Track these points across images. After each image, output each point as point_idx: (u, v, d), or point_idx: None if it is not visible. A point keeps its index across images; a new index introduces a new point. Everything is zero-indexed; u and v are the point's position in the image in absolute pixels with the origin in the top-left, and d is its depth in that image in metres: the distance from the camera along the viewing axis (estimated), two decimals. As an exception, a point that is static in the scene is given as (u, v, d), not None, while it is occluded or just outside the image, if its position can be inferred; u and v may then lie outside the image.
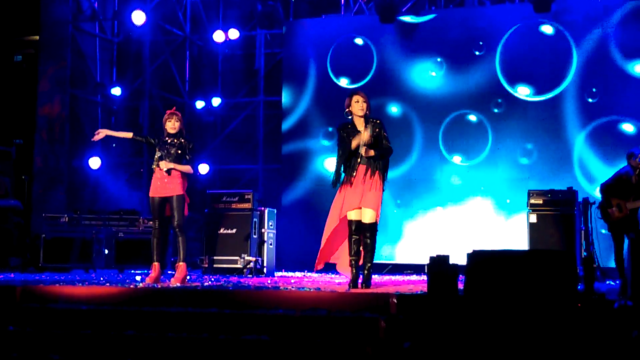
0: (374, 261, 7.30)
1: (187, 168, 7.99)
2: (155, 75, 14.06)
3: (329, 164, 12.47)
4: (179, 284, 7.61)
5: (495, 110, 11.96)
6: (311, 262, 7.67)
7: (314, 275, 10.26)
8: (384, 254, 11.94)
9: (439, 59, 12.30)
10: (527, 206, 10.16)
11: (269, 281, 8.63)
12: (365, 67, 12.62)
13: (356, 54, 12.71)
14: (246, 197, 10.34)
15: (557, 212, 9.96)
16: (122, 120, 13.51)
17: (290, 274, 10.80)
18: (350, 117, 7.27)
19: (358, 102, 7.21)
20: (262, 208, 10.43)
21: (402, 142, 11.97)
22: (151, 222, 8.34)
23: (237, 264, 10.06)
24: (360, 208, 7.13)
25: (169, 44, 14.31)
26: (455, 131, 12.12)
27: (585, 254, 9.53)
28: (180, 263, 7.89)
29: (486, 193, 11.89)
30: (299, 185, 12.89)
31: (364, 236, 7.13)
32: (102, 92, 13.43)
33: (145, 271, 9.97)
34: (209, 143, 14.42)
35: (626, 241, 8.49)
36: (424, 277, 9.12)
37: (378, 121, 7.28)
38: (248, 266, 9.96)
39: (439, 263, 5.69)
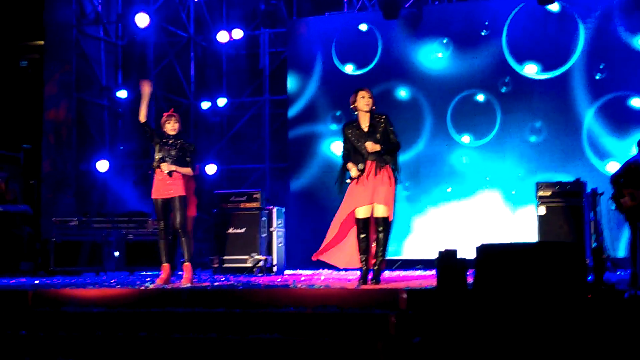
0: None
1: (187, 170, 7.98)
2: (161, 77, 14.09)
3: (335, 147, 12.52)
4: (189, 284, 7.63)
5: (503, 90, 11.97)
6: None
7: (324, 272, 10.27)
8: (392, 249, 11.94)
9: (444, 40, 12.31)
10: (536, 198, 10.13)
11: (279, 280, 8.64)
12: (371, 52, 12.64)
13: (361, 40, 12.74)
14: (254, 196, 10.35)
15: (566, 203, 9.94)
16: (128, 123, 13.53)
17: (300, 271, 10.81)
18: (355, 114, 7.27)
19: (364, 97, 7.21)
20: (271, 207, 10.45)
21: (411, 125, 12.07)
22: (159, 224, 8.34)
23: (246, 263, 10.08)
24: (372, 204, 7.11)
25: (173, 46, 14.33)
26: (464, 111, 12.14)
27: (594, 244, 9.51)
28: (187, 263, 7.92)
29: (493, 184, 11.88)
30: (306, 170, 12.92)
31: (376, 231, 7.11)
32: (108, 95, 13.45)
33: (156, 272, 10.00)
34: (215, 143, 14.44)
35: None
36: (434, 272, 9.12)
37: (384, 117, 7.26)
38: (258, 265, 9.98)
39: (448, 258, 5.69)
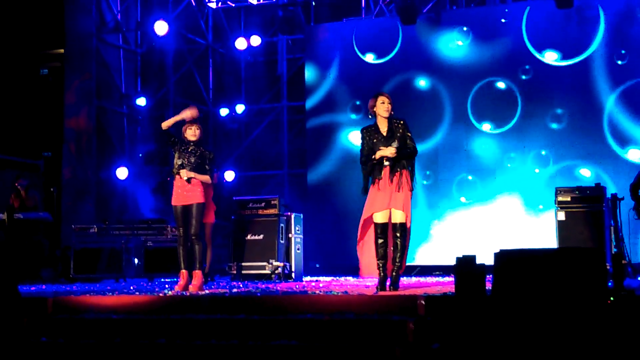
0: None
1: (206, 178, 8.01)
2: (179, 84, 14.17)
3: (353, 137, 12.63)
4: (199, 292, 7.63)
5: (523, 77, 11.94)
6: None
7: (341, 279, 10.25)
8: (410, 255, 11.93)
9: (464, 28, 12.30)
10: (555, 204, 10.07)
11: (296, 286, 8.64)
12: (391, 42, 12.67)
13: (381, 29, 12.82)
14: (272, 202, 10.36)
15: (586, 208, 9.85)
16: (147, 130, 13.62)
17: (320, 278, 10.80)
18: (373, 118, 7.26)
19: (384, 103, 7.20)
20: (289, 213, 10.45)
21: (431, 114, 12.20)
22: (178, 231, 8.38)
23: (265, 269, 10.09)
24: (389, 209, 7.10)
25: (191, 53, 14.41)
26: (484, 99, 12.15)
27: (615, 250, 9.43)
28: (197, 270, 7.94)
29: (513, 188, 11.85)
30: (325, 159, 12.99)
31: (393, 237, 7.10)
32: (127, 103, 13.55)
33: (175, 279, 10.03)
34: (234, 150, 14.49)
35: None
36: (453, 278, 9.07)
37: (402, 122, 7.25)
38: (276, 272, 9.99)
39: (466, 264, 5.66)
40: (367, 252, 7.37)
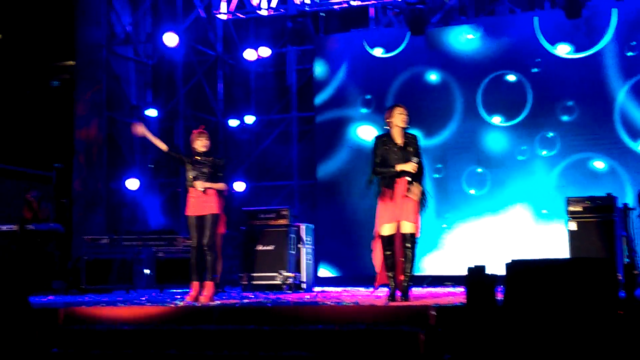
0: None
1: (221, 186, 8.06)
2: (189, 95, 14.22)
3: (362, 131, 12.75)
4: (210, 302, 7.64)
5: (535, 70, 11.94)
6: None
7: (352, 289, 10.24)
8: (422, 265, 11.90)
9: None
10: (567, 214, 10.03)
11: (307, 297, 8.64)
12: (399, 35, 12.73)
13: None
14: (282, 213, 10.37)
15: (597, 218, 9.80)
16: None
17: (331, 288, 10.79)
18: (388, 129, 7.28)
19: (402, 114, 7.26)
20: (299, 224, 10.46)
21: (442, 108, 12.26)
22: (189, 241, 8.40)
23: (275, 280, 10.09)
24: (397, 222, 7.12)
25: (201, 64, 14.47)
26: (495, 92, 12.16)
27: (627, 260, 9.38)
28: (209, 281, 7.95)
29: (523, 199, 11.83)
30: (334, 155, 13.03)
31: (403, 247, 7.11)
32: (137, 114, 13.59)
33: (186, 290, 10.04)
34: (244, 161, 14.52)
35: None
36: (464, 289, 9.05)
37: (415, 136, 7.31)
38: (287, 282, 9.99)
39: (477, 274, 5.65)
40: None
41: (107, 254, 10.93)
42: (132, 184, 13.01)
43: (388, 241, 7.11)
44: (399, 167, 7.09)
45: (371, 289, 9.74)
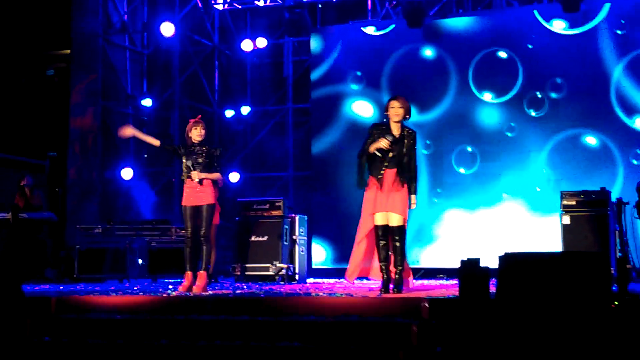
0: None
1: (217, 176, 8.05)
2: (185, 85, 14.18)
3: (356, 107, 12.88)
4: (203, 293, 7.64)
5: (530, 46, 11.93)
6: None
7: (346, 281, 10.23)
8: (414, 258, 11.92)
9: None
10: (560, 208, 10.05)
11: (300, 288, 8.64)
12: (397, 27, 12.77)
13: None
14: (277, 204, 10.36)
15: (591, 212, 9.82)
16: (153, 131, 13.58)
17: (324, 280, 10.79)
18: (386, 120, 7.27)
19: (394, 107, 7.22)
20: (293, 215, 10.46)
21: (437, 84, 12.31)
22: (183, 231, 8.39)
23: (269, 271, 10.09)
24: (387, 211, 7.11)
25: (197, 55, 14.42)
26: (486, 69, 12.20)
27: (619, 254, 9.40)
28: (202, 271, 7.94)
29: (515, 193, 11.83)
30: (329, 131, 13.08)
31: (392, 239, 7.11)
32: (133, 104, 13.56)
33: (179, 280, 10.03)
34: (239, 151, 14.50)
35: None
36: (457, 281, 9.06)
37: (414, 132, 7.28)
38: (280, 273, 9.99)
39: (470, 267, 5.65)
40: (356, 254, 7.37)
41: (100, 243, 10.91)
42: (127, 173, 12.98)
43: (382, 231, 7.10)
44: (373, 147, 7.06)
45: (365, 281, 9.75)
